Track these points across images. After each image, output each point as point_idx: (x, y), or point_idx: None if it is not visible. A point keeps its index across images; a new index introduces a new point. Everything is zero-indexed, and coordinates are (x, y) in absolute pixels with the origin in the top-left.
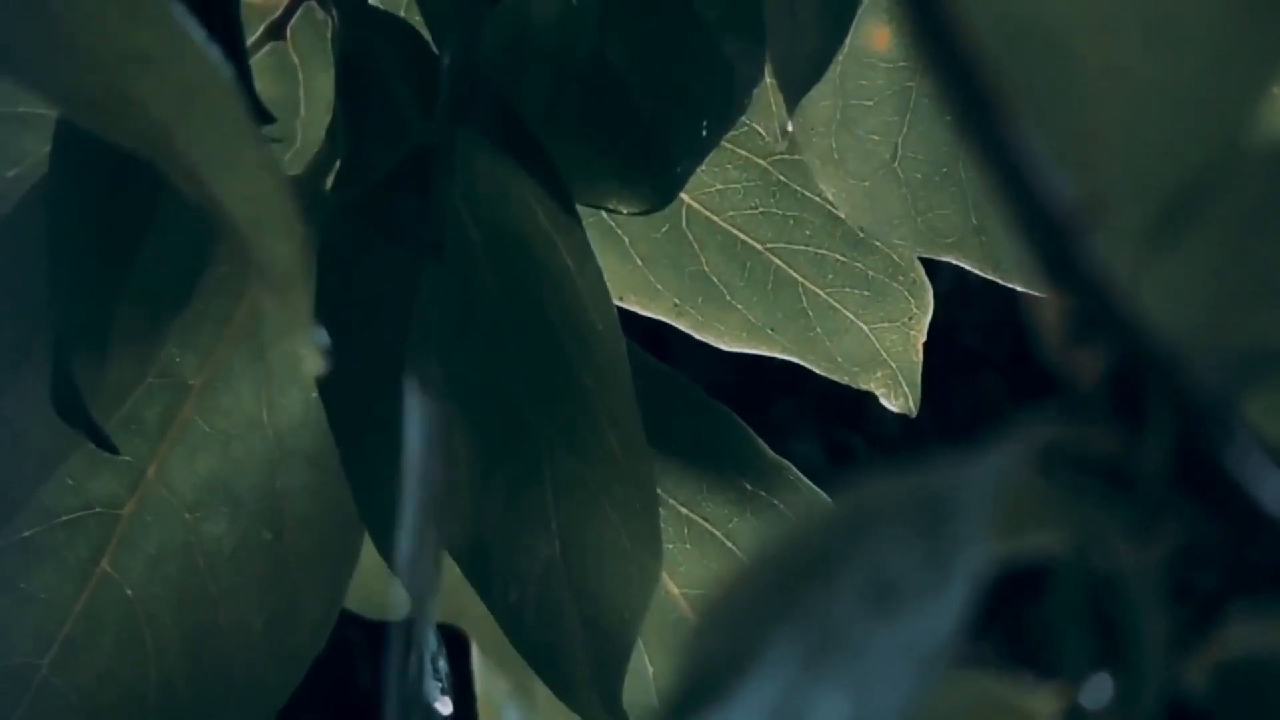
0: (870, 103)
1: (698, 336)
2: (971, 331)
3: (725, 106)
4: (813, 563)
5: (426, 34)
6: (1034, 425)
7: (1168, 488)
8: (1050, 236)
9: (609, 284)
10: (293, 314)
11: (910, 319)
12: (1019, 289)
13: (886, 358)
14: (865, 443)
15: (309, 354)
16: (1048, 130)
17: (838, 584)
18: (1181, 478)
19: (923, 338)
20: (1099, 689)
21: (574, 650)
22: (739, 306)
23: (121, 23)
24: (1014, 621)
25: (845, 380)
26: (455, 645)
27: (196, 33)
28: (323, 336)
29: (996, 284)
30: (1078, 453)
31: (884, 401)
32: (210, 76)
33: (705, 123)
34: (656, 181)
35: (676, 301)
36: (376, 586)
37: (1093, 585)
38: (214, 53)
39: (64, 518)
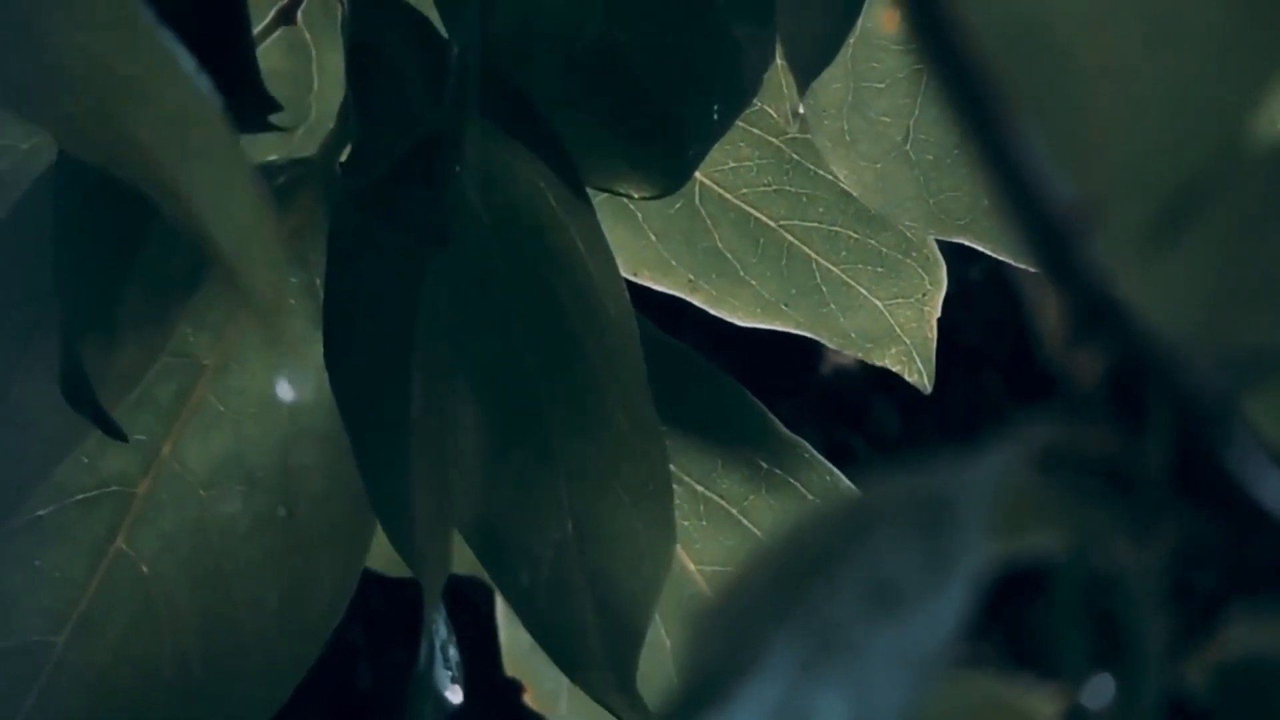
0: (882, 85)
1: (712, 311)
2: (971, 331)
3: (736, 89)
4: (813, 563)
5: (435, 19)
6: (1034, 425)
7: (1168, 488)
8: (1050, 236)
9: (622, 260)
10: (276, 339)
11: (924, 295)
12: (1022, 284)
13: (900, 333)
14: (865, 443)
15: (282, 381)
16: (1048, 130)
17: (838, 585)
18: (1182, 478)
19: (936, 313)
20: (1100, 689)
21: (587, 632)
22: (752, 282)
23: (112, 52)
24: (1014, 622)
25: (860, 355)
26: (481, 595)
27: (186, 60)
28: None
29: (997, 284)
30: (1078, 453)
31: (903, 375)
32: (200, 105)
33: (716, 106)
34: (667, 165)
35: (690, 277)
36: None
37: (1093, 586)
38: (203, 80)
39: (79, 496)
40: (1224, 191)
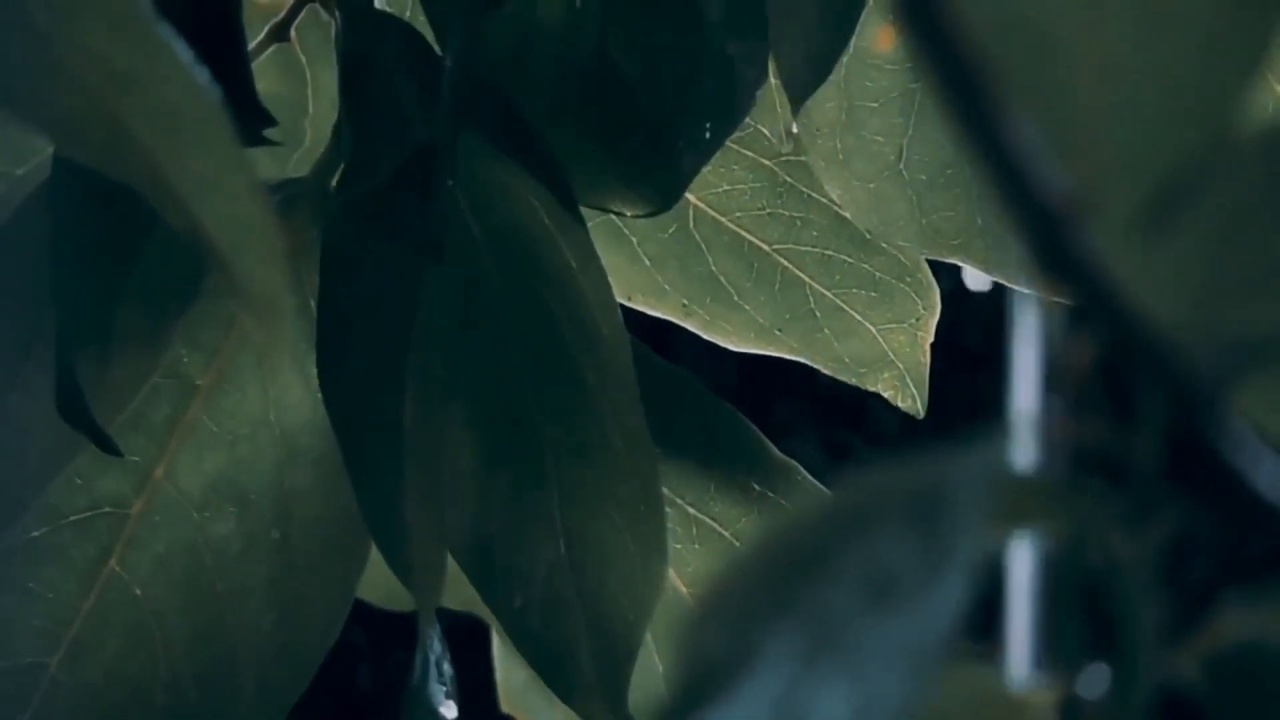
0: (875, 104)
1: (705, 337)
2: (971, 331)
3: (729, 108)
4: (810, 557)
5: (429, 36)
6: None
7: (1161, 477)
8: (1044, 228)
9: (616, 284)
10: (273, 339)
11: (917, 320)
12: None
13: (894, 358)
14: (865, 443)
15: (287, 379)
16: (1041, 122)
17: (835, 578)
18: (1175, 467)
19: (930, 338)
20: (1095, 679)
21: (579, 653)
22: (746, 307)
23: (109, 43)
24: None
25: (853, 381)
26: (478, 634)
27: (184, 53)
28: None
29: (996, 284)
30: (1072, 443)
31: (894, 401)
32: (198, 98)
33: (709, 124)
34: (660, 183)
35: (684, 302)
36: (392, 577)
37: (1088, 576)
38: (201, 74)
39: (72, 518)
40: (1215, 180)
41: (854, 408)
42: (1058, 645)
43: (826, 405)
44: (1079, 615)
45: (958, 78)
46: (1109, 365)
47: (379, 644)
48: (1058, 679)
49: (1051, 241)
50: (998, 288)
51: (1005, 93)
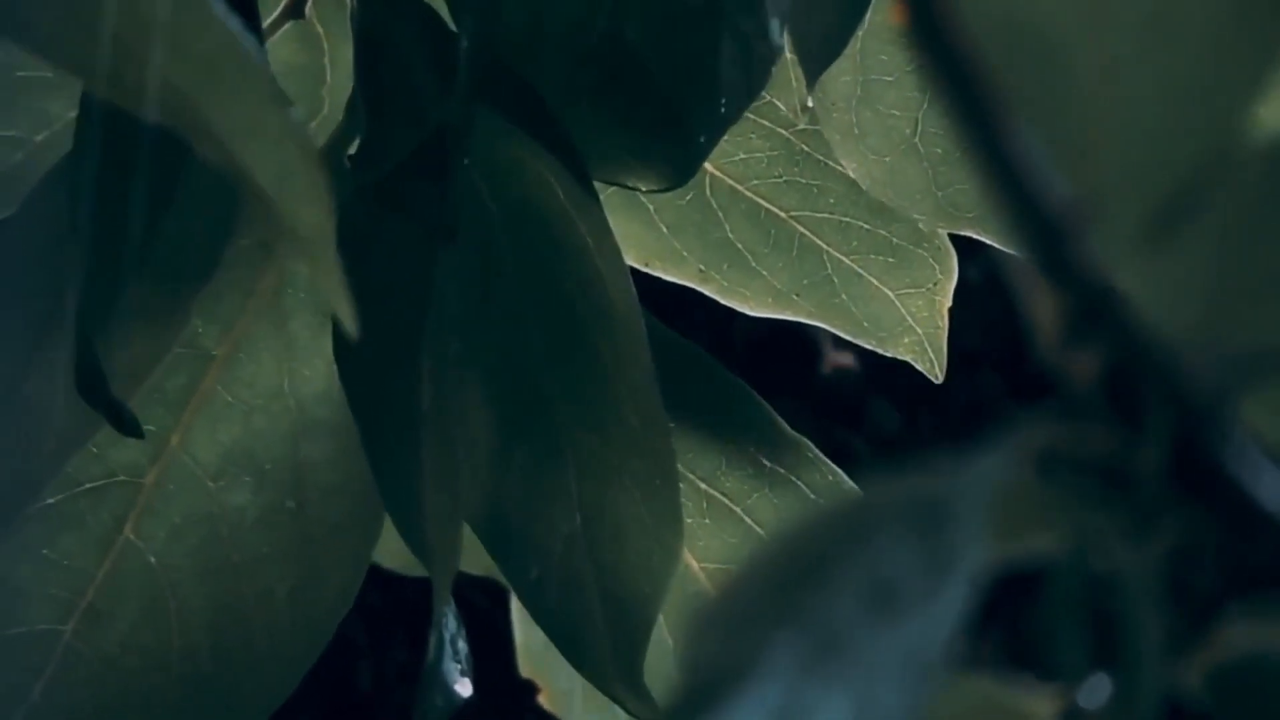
0: (890, 78)
1: (723, 302)
2: (970, 331)
3: (744, 83)
4: (812, 566)
5: (445, 13)
6: (1031, 426)
7: (1165, 487)
8: (1048, 235)
9: (633, 251)
10: (324, 276)
11: (935, 285)
12: (1019, 283)
13: (912, 323)
14: (864, 443)
15: (344, 316)
16: (1045, 129)
17: (837, 587)
18: (1179, 477)
19: (948, 303)
20: (1097, 689)
21: (594, 625)
22: (763, 272)
23: None
24: (1012, 623)
25: (873, 345)
26: (497, 595)
27: (218, 5)
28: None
29: (996, 284)
30: (1075, 453)
31: (915, 364)
32: (235, 48)
33: (724, 99)
34: (675, 158)
35: (701, 267)
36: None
37: (1090, 586)
38: (235, 24)
39: (87, 485)
40: (1220, 188)
41: (854, 408)
42: (1061, 655)
43: (826, 405)
44: (1082, 625)
45: (963, 84)
46: (1113, 374)
47: (379, 643)
48: (1060, 689)
49: (1056, 250)
50: (997, 289)
51: (1010, 100)
